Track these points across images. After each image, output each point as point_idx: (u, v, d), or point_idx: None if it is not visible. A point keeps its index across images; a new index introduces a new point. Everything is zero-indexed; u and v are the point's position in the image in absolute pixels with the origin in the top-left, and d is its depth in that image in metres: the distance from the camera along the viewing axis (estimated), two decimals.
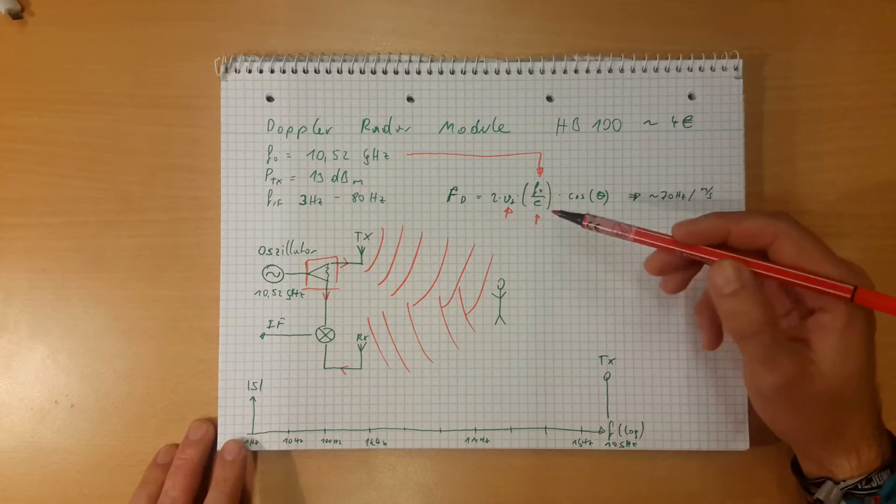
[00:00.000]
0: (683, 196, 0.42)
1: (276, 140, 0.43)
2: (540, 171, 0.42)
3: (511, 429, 0.42)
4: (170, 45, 0.44)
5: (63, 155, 0.43)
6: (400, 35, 0.44)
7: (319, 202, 0.42)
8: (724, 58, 0.42)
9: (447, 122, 0.43)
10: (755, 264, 0.34)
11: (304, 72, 0.42)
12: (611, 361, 0.42)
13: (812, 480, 0.37)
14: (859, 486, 0.34)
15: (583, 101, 0.42)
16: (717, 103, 0.42)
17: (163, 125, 0.43)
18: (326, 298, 0.42)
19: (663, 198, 0.42)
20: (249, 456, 0.42)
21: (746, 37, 0.44)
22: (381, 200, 0.42)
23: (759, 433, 0.41)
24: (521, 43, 0.44)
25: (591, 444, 0.42)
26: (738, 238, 0.35)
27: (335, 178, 0.43)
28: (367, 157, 0.43)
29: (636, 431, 0.42)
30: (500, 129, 0.43)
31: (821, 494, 0.36)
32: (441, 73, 0.43)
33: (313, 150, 0.43)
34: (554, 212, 0.41)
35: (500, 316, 0.42)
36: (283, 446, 0.42)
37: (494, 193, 0.42)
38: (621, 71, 0.42)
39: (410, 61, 0.43)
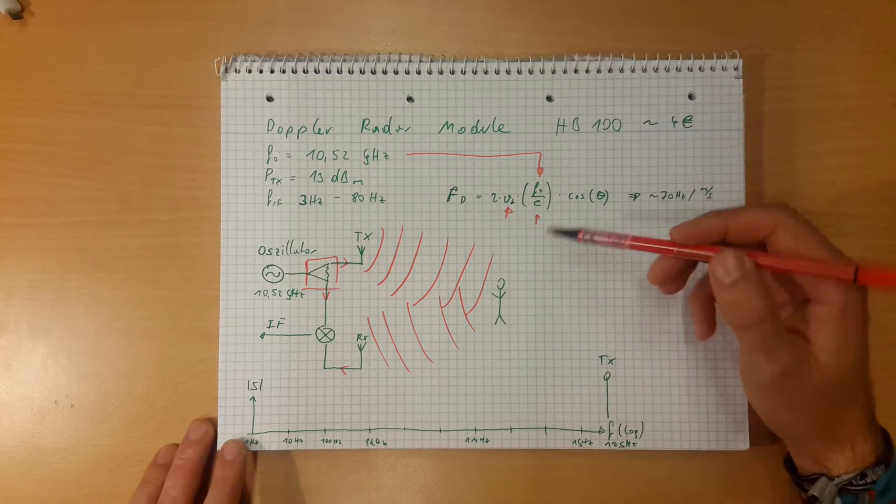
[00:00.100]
0: (683, 196, 0.42)
1: (276, 140, 0.43)
2: (540, 171, 0.42)
3: (511, 429, 0.42)
4: (170, 45, 0.44)
5: (63, 155, 0.43)
6: (400, 35, 0.44)
7: (319, 202, 0.42)
8: (724, 58, 0.42)
9: (447, 122, 0.43)
10: (755, 255, 0.34)
11: (304, 72, 0.42)
12: (611, 361, 0.42)
13: (806, 477, 0.37)
14: (854, 482, 0.34)
15: (583, 101, 0.42)
16: (717, 103, 0.42)
17: (163, 125, 0.43)
18: (326, 298, 0.42)
19: (663, 198, 0.42)
20: (249, 456, 0.42)
21: (746, 37, 0.44)
22: (381, 200, 0.43)
23: (759, 433, 0.41)
24: (521, 43, 0.44)
25: (591, 444, 0.42)
26: (737, 233, 0.35)
27: (335, 178, 0.43)
28: (367, 157, 0.43)
29: (636, 431, 0.42)
30: (500, 129, 0.43)
31: (815, 491, 0.35)
32: (441, 73, 0.43)
33: (313, 150, 0.43)
34: (549, 231, 0.42)
35: (500, 316, 0.42)
36: (283, 446, 0.42)
37: (494, 193, 0.42)
38: (621, 71, 0.42)
39: (410, 61, 0.43)
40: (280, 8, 0.44)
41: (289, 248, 0.42)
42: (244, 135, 0.43)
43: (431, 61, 0.43)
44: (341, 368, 0.42)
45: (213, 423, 0.42)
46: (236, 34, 0.44)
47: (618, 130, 0.42)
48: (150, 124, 0.43)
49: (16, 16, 0.43)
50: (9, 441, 0.43)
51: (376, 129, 0.43)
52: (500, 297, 0.42)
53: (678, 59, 0.42)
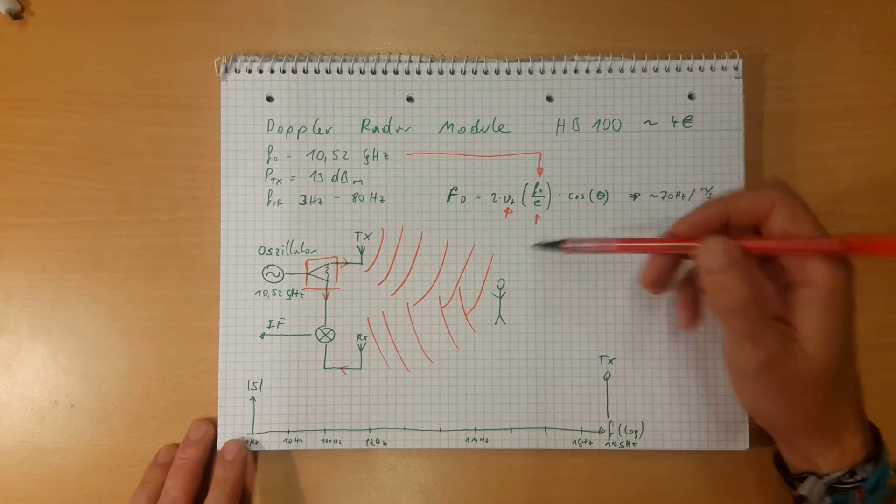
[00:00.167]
0: (683, 196, 0.42)
1: (276, 140, 0.43)
2: (540, 171, 0.42)
3: (511, 429, 0.42)
4: (170, 45, 0.44)
5: (63, 155, 0.43)
6: (400, 35, 0.44)
7: (319, 202, 0.42)
8: (724, 58, 0.42)
9: (447, 122, 0.43)
10: (742, 240, 0.34)
11: (304, 72, 0.42)
12: (611, 361, 0.42)
13: (796, 476, 0.37)
14: (843, 480, 0.34)
15: (583, 101, 0.42)
16: (717, 103, 0.42)
17: (163, 125, 0.43)
18: (326, 298, 0.42)
19: (663, 198, 0.42)
20: (250, 456, 0.42)
21: (746, 37, 0.44)
22: (381, 200, 0.43)
23: (759, 433, 0.41)
24: (521, 43, 0.44)
25: (591, 444, 0.42)
26: (738, 217, 0.35)
27: (335, 178, 0.43)
28: (367, 157, 0.43)
29: (636, 431, 0.42)
30: (500, 129, 0.43)
31: (804, 490, 0.35)
32: (441, 73, 0.43)
33: (313, 150, 0.43)
34: (533, 246, 0.42)
35: (500, 316, 0.42)
36: (283, 446, 0.42)
37: (494, 193, 0.42)
38: (621, 71, 0.42)
39: (410, 61, 0.43)
40: (280, 8, 0.44)
41: (289, 248, 0.42)
42: (244, 135, 0.43)
43: (431, 61, 0.43)
44: (341, 368, 0.42)
45: (213, 422, 0.42)
46: (236, 34, 0.44)
47: (618, 130, 0.42)
48: (150, 124, 0.43)
49: (16, 16, 0.43)
50: (9, 441, 0.43)
51: (376, 129, 0.43)
52: (500, 297, 0.42)
53: (678, 59, 0.42)
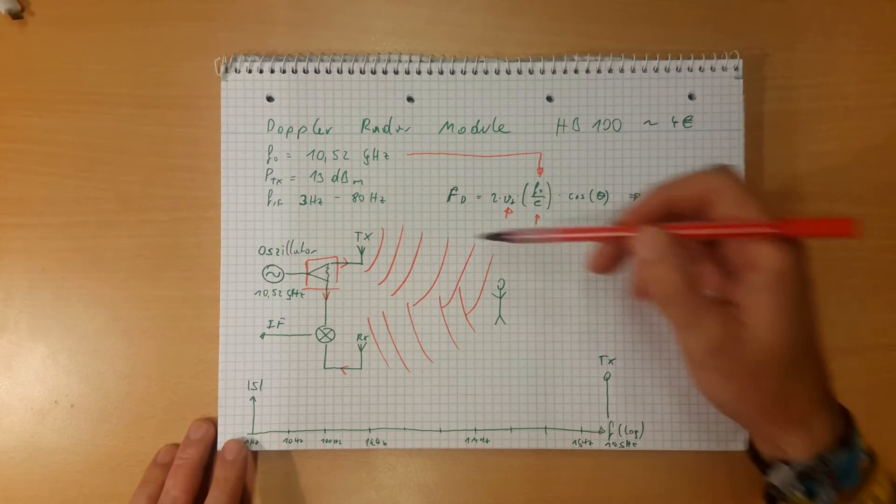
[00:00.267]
0: None
1: (276, 140, 0.43)
2: (540, 171, 0.42)
3: (511, 429, 0.42)
4: (170, 45, 0.44)
5: (63, 155, 0.43)
6: (400, 35, 0.44)
7: (319, 202, 0.42)
8: (724, 58, 0.42)
9: (447, 122, 0.43)
10: (676, 227, 0.34)
11: (304, 72, 0.42)
12: (611, 361, 0.42)
13: (770, 465, 0.36)
14: (814, 467, 0.33)
15: (583, 101, 0.42)
16: (717, 103, 0.42)
17: (163, 125, 0.43)
18: (326, 298, 0.42)
19: None
20: (250, 456, 0.42)
21: (746, 37, 0.44)
22: (381, 200, 0.43)
23: None
24: (521, 43, 0.44)
25: (591, 444, 0.42)
26: (683, 204, 0.35)
27: (335, 178, 0.43)
28: (367, 157, 0.43)
29: (636, 431, 0.42)
30: (500, 129, 0.43)
31: (775, 479, 0.34)
32: (441, 73, 0.43)
33: (313, 150, 0.43)
34: (477, 236, 0.42)
35: (500, 316, 0.42)
36: (283, 446, 0.42)
37: (494, 193, 0.42)
38: (621, 71, 0.42)
39: (410, 61, 0.43)
40: (280, 8, 0.44)
41: (289, 248, 0.42)
42: (244, 135, 0.43)
43: (431, 61, 0.43)
44: (341, 368, 0.42)
45: (213, 422, 0.42)
46: (236, 34, 0.44)
47: (618, 130, 0.42)
48: (150, 124, 0.43)
49: (16, 16, 0.43)
50: (9, 441, 0.43)
51: (376, 129, 0.43)
52: (500, 297, 0.42)
53: (678, 59, 0.42)
